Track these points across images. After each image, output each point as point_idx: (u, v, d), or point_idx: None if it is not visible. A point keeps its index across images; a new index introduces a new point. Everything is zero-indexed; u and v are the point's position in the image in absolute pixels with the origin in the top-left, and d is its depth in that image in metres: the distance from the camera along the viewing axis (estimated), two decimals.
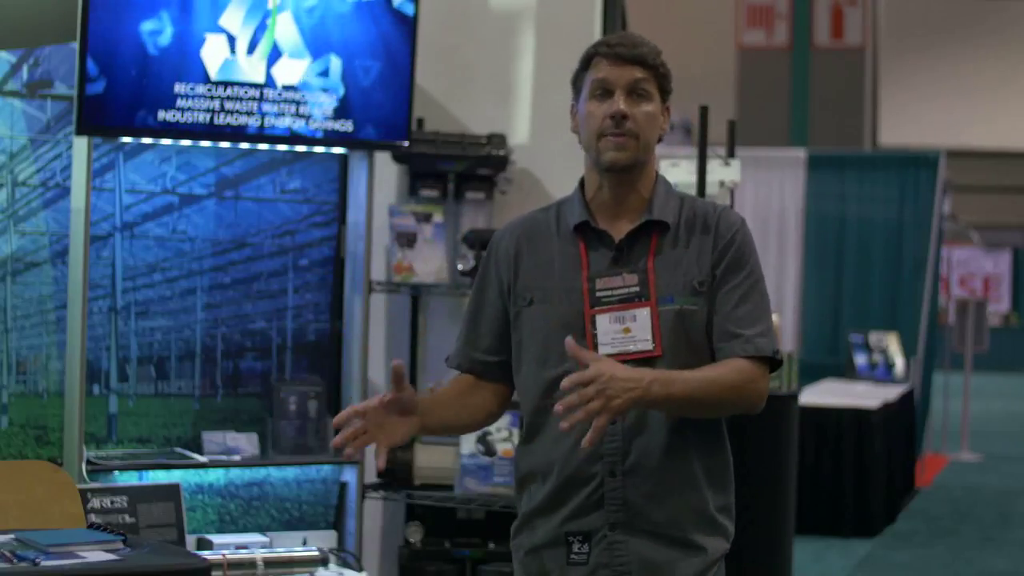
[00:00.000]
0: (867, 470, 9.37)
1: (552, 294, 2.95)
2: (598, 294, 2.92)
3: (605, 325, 2.90)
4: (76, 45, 4.37)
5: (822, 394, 10.04)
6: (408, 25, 4.82)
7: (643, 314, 2.89)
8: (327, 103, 4.74)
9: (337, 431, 2.84)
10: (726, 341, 2.88)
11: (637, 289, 2.90)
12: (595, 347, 2.89)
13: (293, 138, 4.73)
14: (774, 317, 3.05)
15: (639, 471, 2.87)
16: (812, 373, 10.86)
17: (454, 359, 3.07)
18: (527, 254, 2.99)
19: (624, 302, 2.91)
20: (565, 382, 2.75)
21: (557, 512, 2.93)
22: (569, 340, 2.80)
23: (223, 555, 4.42)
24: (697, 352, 2.90)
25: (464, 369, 3.05)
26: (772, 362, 2.91)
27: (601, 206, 2.96)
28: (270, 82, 4.65)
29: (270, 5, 4.63)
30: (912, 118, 24.99)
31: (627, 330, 2.90)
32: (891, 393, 10.44)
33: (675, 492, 2.89)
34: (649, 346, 2.88)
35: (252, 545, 4.53)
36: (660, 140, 3.00)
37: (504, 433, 5.03)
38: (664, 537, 2.89)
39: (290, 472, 4.94)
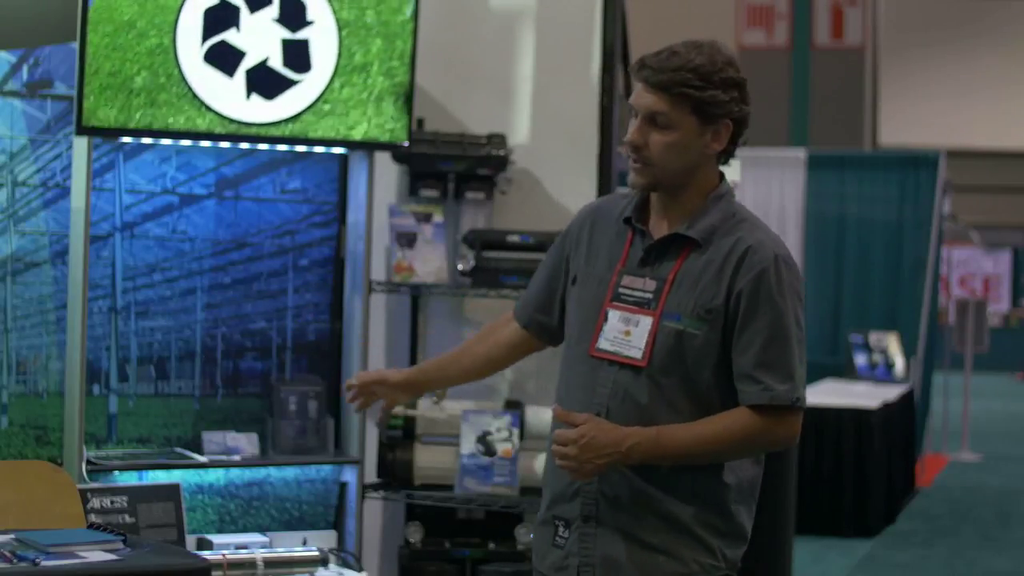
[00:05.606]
0: (867, 470, 9.37)
1: (589, 279, 2.99)
2: (620, 290, 2.93)
3: (614, 322, 2.92)
4: (76, 45, 4.37)
5: (822, 394, 10.04)
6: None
7: (645, 323, 2.89)
8: None
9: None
10: (744, 385, 2.86)
11: (650, 296, 2.90)
12: (598, 339, 2.93)
13: (293, 138, 4.73)
14: None
15: (617, 469, 2.88)
16: (812, 373, 10.75)
17: (517, 312, 3.22)
18: (589, 235, 3.04)
19: (636, 305, 2.91)
20: (555, 435, 2.86)
21: (547, 492, 3.02)
22: (556, 407, 2.91)
23: (223, 555, 4.42)
24: (692, 374, 2.87)
25: (522, 324, 3.19)
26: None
27: (655, 206, 2.97)
28: None
29: None
30: (912, 118, 24.99)
31: (628, 333, 2.90)
32: (891, 393, 10.44)
33: (651, 496, 2.89)
34: (638, 355, 2.88)
35: (252, 545, 4.53)
36: (722, 158, 2.93)
37: (504, 433, 5.03)
38: (632, 538, 2.90)
39: (290, 472, 4.94)
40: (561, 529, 2.96)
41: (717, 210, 2.92)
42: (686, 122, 2.86)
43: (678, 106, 2.85)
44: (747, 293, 2.85)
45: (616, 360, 2.90)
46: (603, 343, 2.91)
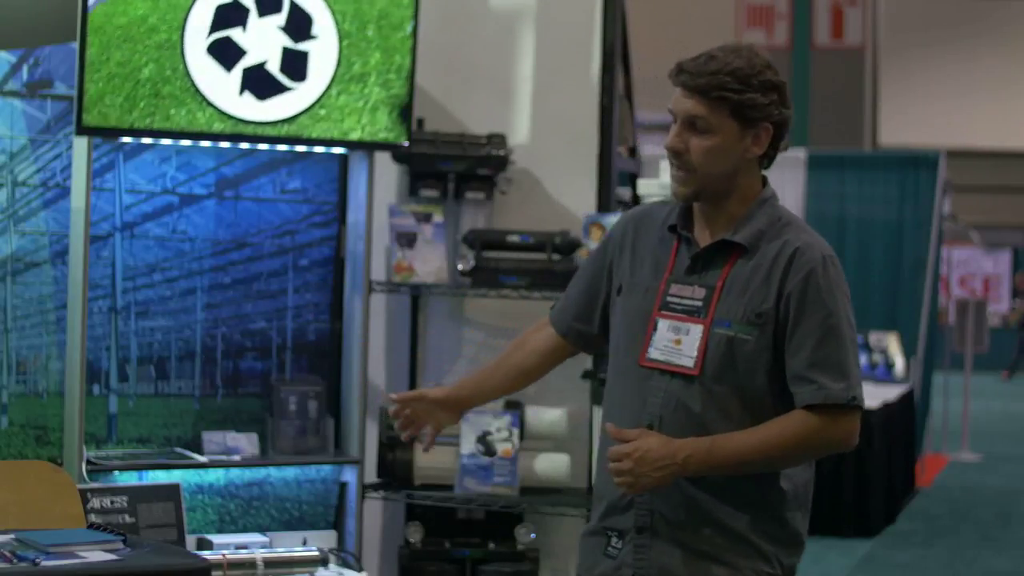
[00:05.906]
0: (867, 470, 9.36)
1: (635, 289, 2.97)
2: (668, 299, 2.91)
3: (663, 331, 2.90)
4: (76, 45, 4.38)
5: None
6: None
7: (696, 331, 2.87)
8: None
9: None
10: (798, 386, 2.83)
11: (700, 304, 2.88)
12: (648, 349, 2.90)
13: (293, 138, 4.74)
14: None
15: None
16: None
17: (554, 319, 3.16)
18: (632, 243, 3.01)
19: (685, 314, 2.89)
20: (609, 452, 2.83)
21: (599, 504, 2.99)
22: (610, 424, 2.88)
23: (223, 555, 4.42)
24: (745, 380, 2.85)
25: (560, 332, 3.14)
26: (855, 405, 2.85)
27: (699, 214, 2.95)
28: None
29: None
30: (912, 118, 24.99)
31: (678, 342, 2.88)
32: (891, 393, 10.43)
33: (706, 505, 2.87)
34: (690, 364, 2.86)
35: (252, 545, 4.53)
36: (764, 163, 2.92)
37: (504, 433, 5.02)
38: (688, 548, 2.88)
39: (290, 472, 4.94)
40: (614, 540, 2.94)
41: (762, 214, 2.90)
42: (725, 126, 2.84)
43: (717, 110, 2.83)
44: (796, 294, 2.84)
45: (667, 369, 2.88)
46: (653, 353, 2.89)
